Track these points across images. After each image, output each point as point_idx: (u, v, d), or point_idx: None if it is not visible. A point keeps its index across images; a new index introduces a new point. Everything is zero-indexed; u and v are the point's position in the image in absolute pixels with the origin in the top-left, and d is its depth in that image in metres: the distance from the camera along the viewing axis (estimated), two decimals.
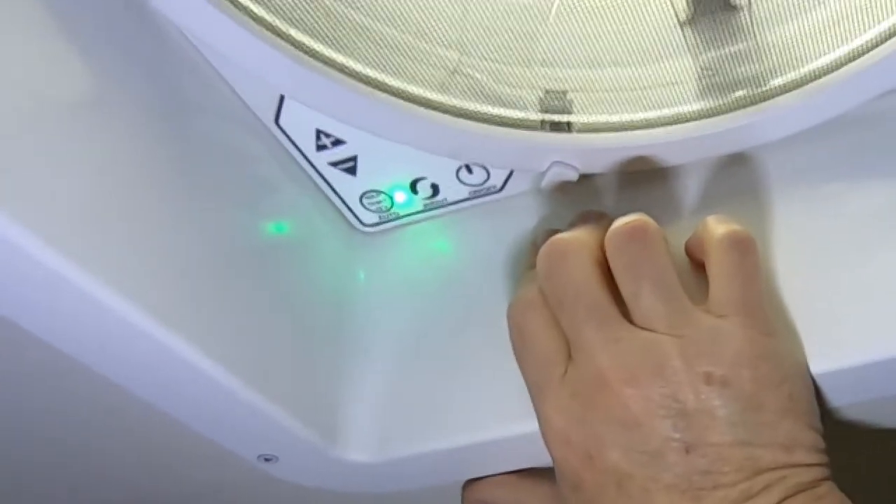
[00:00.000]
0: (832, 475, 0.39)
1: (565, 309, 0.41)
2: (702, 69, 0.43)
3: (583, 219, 0.46)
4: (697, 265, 0.43)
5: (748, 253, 0.41)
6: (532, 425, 0.43)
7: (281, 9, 0.39)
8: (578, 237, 0.42)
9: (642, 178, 0.48)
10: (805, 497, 0.37)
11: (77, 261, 0.33)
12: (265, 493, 0.55)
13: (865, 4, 0.40)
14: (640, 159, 0.46)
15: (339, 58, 0.41)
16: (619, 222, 0.41)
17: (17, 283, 0.33)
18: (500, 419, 0.46)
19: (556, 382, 0.41)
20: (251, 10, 0.38)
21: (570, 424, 0.40)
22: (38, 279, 0.33)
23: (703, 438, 0.37)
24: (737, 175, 0.47)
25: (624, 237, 0.41)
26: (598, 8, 0.41)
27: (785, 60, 0.42)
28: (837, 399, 0.42)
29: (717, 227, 0.41)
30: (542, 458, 0.42)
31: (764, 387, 0.38)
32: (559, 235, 0.42)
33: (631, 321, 0.40)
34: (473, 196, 0.52)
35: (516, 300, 0.44)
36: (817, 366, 0.40)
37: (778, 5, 0.41)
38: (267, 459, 0.47)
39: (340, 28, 0.40)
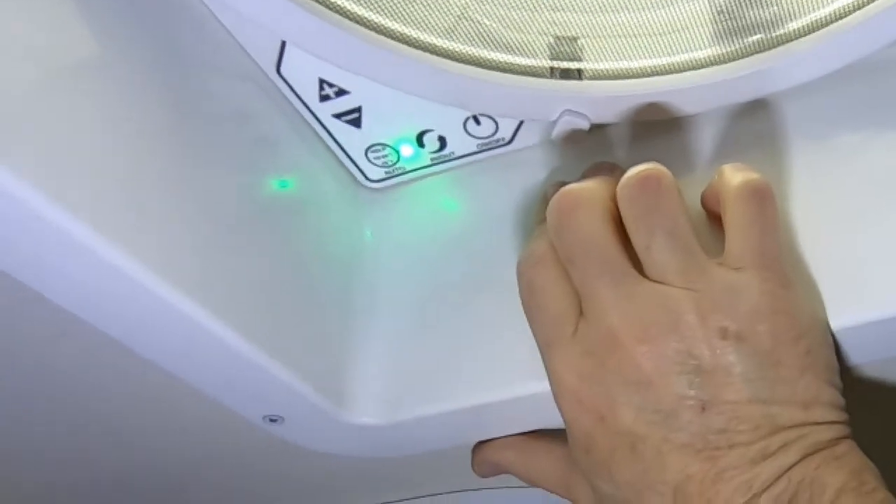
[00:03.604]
0: (852, 433, 0.38)
1: (576, 263, 0.40)
2: (716, 13, 0.42)
3: (594, 170, 0.45)
4: (714, 218, 0.42)
5: (766, 202, 0.40)
6: (543, 385, 0.42)
7: None
8: (589, 188, 0.41)
9: (655, 129, 0.47)
10: (824, 456, 0.36)
11: (82, 218, 0.33)
12: (272, 462, 0.55)
13: None
14: (653, 107, 0.45)
15: (342, 1, 0.40)
16: (632, 172, 0.40)
17: (21, 239, 0.33)
18: (510, 379, 0.45)
19: (566, 340, 0.40)
20: None
21: (581, 383, 0.39)
22: (43, 236, 0.32)
23: (718, 396, 0.37)
24: (753, 124, 0.46)
25: (636, 187, 0.40)
26: None
27: (802, 2, 0.41)
28: (857, 355, 0.41)
29: (734, 175, 0.40)
30: (554, 420, 0.41)
31: (781, 342, 0.37)
32: (569, 187, 0.41)
33: (644, 275, 0.39)
34: (482, 149, 0.51)
35: (526, 255, 0.43)
36: (836, 321, 0.40)
37: None
38: (272, 420, 0.47)
39: None
